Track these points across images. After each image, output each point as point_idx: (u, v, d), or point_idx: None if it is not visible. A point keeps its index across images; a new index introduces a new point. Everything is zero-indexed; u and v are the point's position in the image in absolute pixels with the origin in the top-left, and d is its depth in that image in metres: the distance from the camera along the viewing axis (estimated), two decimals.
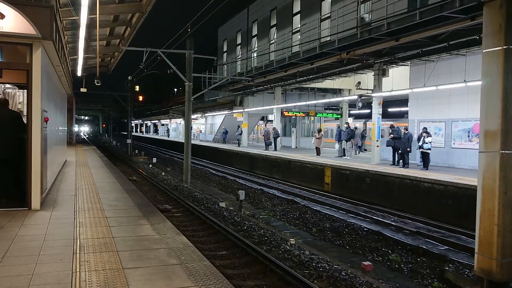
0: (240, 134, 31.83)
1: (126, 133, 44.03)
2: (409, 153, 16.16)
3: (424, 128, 15.89)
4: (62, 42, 11.57)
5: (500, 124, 5.67)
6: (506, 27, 5.63)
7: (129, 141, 36.53)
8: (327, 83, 25.88)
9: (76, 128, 47.91)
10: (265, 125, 38.91)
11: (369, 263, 7.76)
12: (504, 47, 5.64)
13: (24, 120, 7.90)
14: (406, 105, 21.61)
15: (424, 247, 9.31)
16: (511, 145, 5.69)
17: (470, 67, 15.05)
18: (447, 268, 7.87)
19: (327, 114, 29.98)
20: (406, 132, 16.22)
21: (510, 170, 5.69)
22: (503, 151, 5.66)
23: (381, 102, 18.04)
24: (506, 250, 5.66)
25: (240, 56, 29.10)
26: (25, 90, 7.89)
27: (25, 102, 8.24)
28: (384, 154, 18.70)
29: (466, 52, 14.96)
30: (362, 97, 19.43)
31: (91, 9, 10.43)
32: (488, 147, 5.82)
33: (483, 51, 5.95)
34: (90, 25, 12.40)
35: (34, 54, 7.38)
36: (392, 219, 12.30)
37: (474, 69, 14.62)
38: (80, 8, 9.73)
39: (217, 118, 39.67)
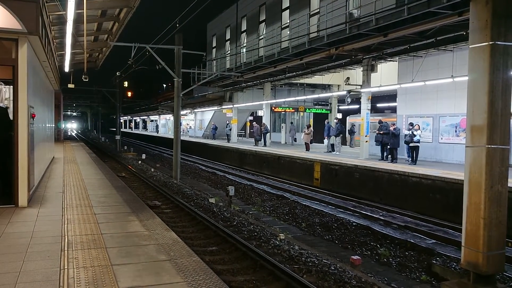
0: (230, 129, 31.80)
1: (115, 129, 43.68)
2: (398, 148, 16.30)
3: (411, 123, 16.05)
4: (49, 37, 11.42)
5: (486, 118, 5.73)
6: (492, 23, 5.67)
7: (118, 137, 36.25)
8: (317, 79, 25.96)
9: (63, 124, 47.37)
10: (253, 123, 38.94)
11: (358, 257, 7.81)
12: (491, 42, 5.70)
13: (11, 116, 7.79)
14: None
15: (412, 241, 9.40)
16: (497, 140, 5.75)
17: (458, 62, 15.20)
18: (434, 262, 7.97)
19: (317, 110, 30.05)
20: (394, 127, 16.33)
21: (496, 164, 5.76)
22: (489, 146, 5.72)
23: (370, 97, 18.14)
24: (492, 243, 5.73)
25: (229, 51, 29.02)
26: (11, 86, 7.78)
27: (11, 98, 8.13)
28: (373, 149, 18.83)
29: (454, 47, 15.10)
30: (351, 93, 19.52)
31: (78, 3, 10.29)
32: (475, 142, 5.88)
33: (470, 46, 6.00)
34: (77, 20, 12.24)
35: (20, 49, 7.29)
36: (380, 214, 12.40)
37: (461, 65, 14.77)
38: (67, 2, 9.59)
39: (207, 114, 39.54)
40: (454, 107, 16.03)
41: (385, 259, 8.45)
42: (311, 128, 24.34)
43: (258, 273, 6.96)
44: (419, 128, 15.73)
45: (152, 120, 73.05)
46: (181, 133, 23.01)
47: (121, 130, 41.26)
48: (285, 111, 30.19)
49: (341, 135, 21.17)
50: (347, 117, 27.25)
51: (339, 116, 28.59)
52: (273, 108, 28.43)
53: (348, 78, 21.62)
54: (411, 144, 15.60)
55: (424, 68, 16.81)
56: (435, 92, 16.81)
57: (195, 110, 40.66)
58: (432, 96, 17.01)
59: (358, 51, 16.87)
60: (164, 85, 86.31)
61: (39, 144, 10.37)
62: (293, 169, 19.05)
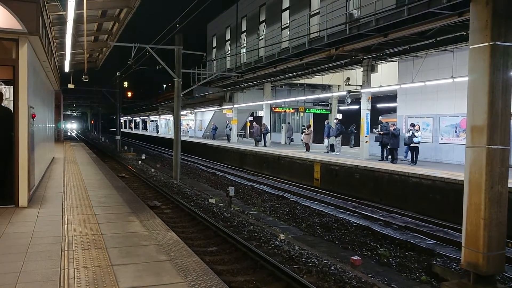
0: (230, 130, 31.80)
1: (115, 129, 43.69)
2: (398, 148, 16.29)
3: (412, 124, 16.05)
4: (49, 38, 11.42)
5: (486, 119, 5.73)
6: (492, 24, 5.68)
7: (118, 137, 36.26)
8: (317, 79, 25.96)
9: (63, 125, 47.33)
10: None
11: (358, 257, 7.81)
12: (491, 43, 5.71)
13: None
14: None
15: (412, 241, 9.40)
16: (497, 140, 5.76)
17: (458, 63, 15.20)
18: (434, 262, 7.97)
19: (317, 110, 30.05)
20: (394, 127, 16.33)
21: (496, 165, 5.77)
22: (490, 146, 5.73)
23: (370, 97, 18.15)
24: (492, 244, 5.74)
25: (229, 52, 29.03)
26: (11, 86, 7.78)
27: (12, 98, 8.13)
28: (373, 149, 18.83)
29: (454, 48, 15.11)
30: (352, 93, 19.53)
31: (78, 4, 10.29)
32: (475, 142, 5.89)
33: (470, 47, 6.01)
34: (78, 20, 12.24)
35: (20, 49, 7.28)
36: (380, 214, 12.40)
37: (461, 65, 14.77)
38: (67, 3, 9.59)
39: (207, 114, 39.55)
40: (454, 107, 16.03)
41: (385, 260, 8.44)
42: (311, 128, 24.34)
43: (258, 274, 6.96)
44: (419, 129, 15.74)
45: (152, 120, 73.00)
46: (181, 134, 23.02)
47: (121, 130, 41.26)
48: (285, 111, 30.20)
49: (341, 135, 21.18)
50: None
51: (339, 116, 28.56)
52: (273, 108, 28.44)
53: (348, 78, 21.62)
54: (411, 145, 15.60)
55: (424, 69, 16.80)
56: (435, 93, 16.81)
57: (195, 110, 40.66)
58: (432, 97, 17.01)
59: (358, 52, 16.87)
60: (164, 85, 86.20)
61: (39, 144, 10.37)
62: (293, 169, 19.05)
